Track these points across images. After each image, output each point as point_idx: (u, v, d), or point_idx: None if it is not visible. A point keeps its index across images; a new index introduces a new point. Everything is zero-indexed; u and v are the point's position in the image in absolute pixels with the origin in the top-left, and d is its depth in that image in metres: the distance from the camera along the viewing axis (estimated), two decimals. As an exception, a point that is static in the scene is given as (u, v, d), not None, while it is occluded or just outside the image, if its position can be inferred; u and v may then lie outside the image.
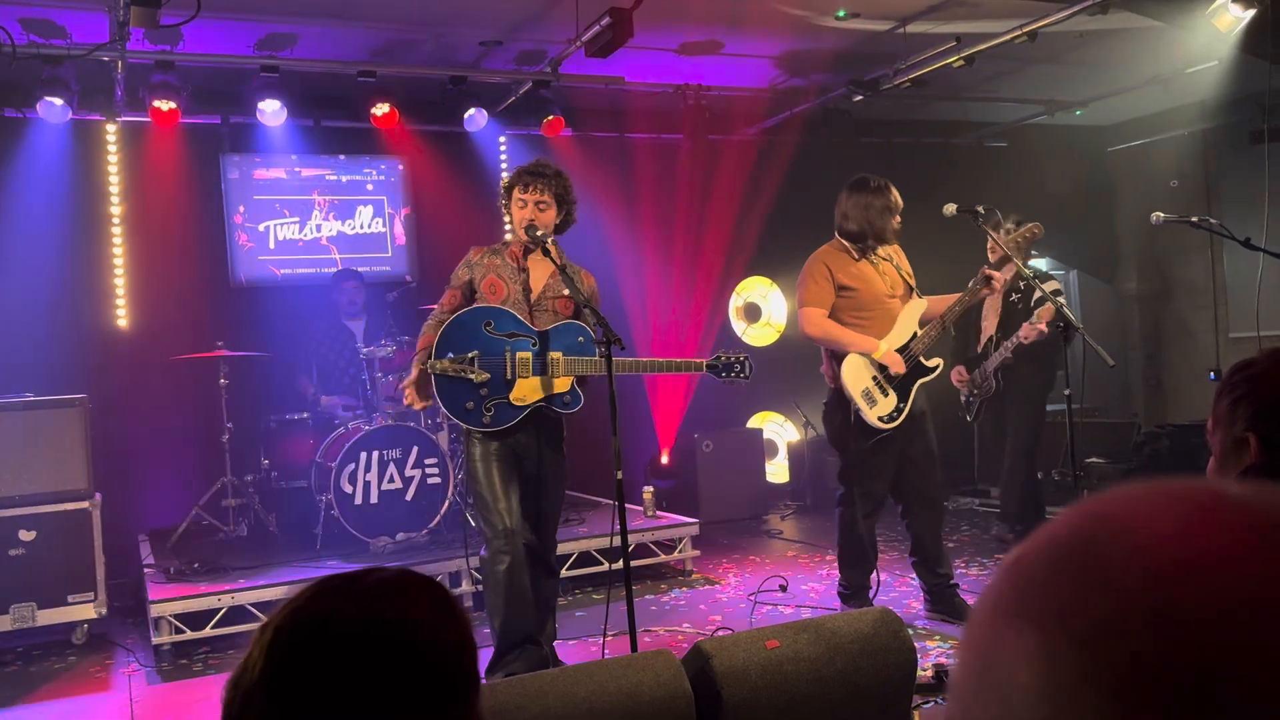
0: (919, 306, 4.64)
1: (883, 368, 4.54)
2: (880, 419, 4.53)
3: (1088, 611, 0.42)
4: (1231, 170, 8.42)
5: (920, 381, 4.61)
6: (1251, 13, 5.10)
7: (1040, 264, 9.69)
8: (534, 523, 4.17)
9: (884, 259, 4.68)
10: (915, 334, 4.61)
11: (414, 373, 4.08)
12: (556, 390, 4.03)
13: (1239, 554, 0.42)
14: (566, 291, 4.08)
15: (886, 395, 4.55)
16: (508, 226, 4.31)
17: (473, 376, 3.93)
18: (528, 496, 4.14)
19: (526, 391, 4.00)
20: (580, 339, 4.05)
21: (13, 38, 5.31)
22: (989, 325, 6.17)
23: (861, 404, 4.53)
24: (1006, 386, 6.12)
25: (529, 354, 3.99)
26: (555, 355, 4.00)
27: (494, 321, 4.01)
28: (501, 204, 4.24)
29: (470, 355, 3.95)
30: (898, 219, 4.64)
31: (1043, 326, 5.48)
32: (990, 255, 5.06)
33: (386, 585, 0.95)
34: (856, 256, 4.64)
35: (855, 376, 4.54)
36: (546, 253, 3.97)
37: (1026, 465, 6.28)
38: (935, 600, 4.85)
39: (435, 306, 4.20)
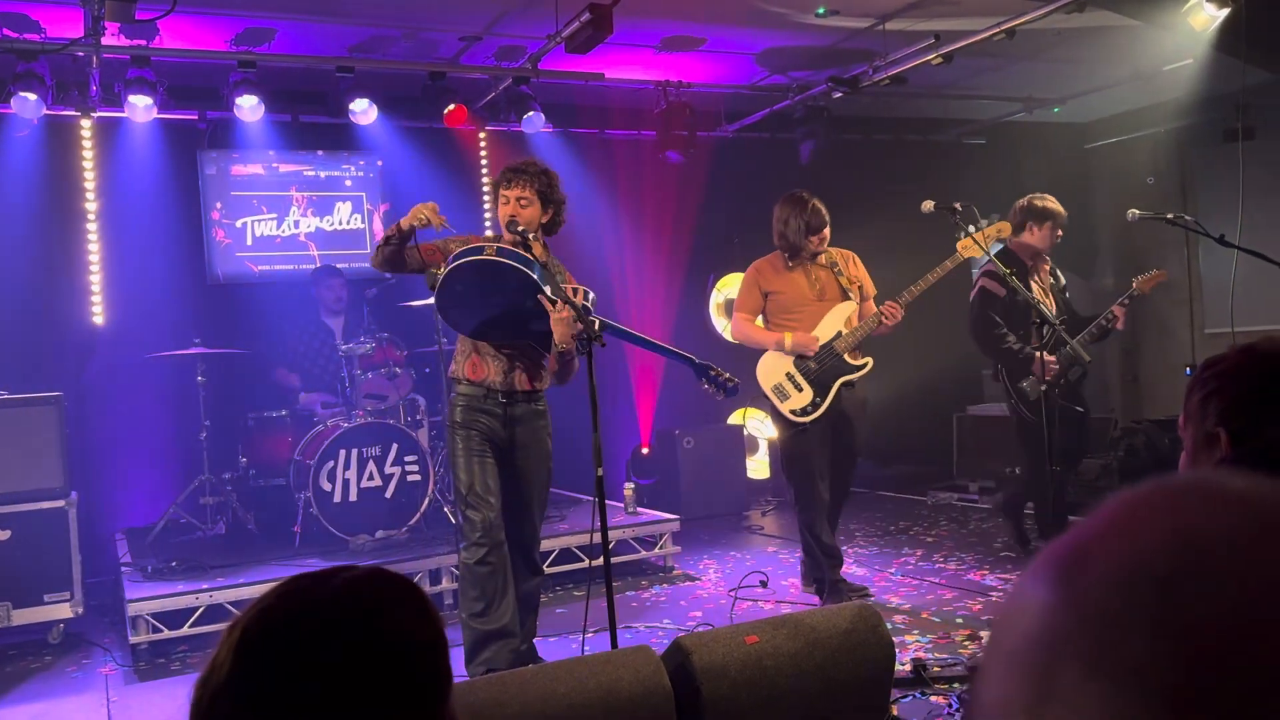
0: (847, 308, 4.91)
1: (800, 365, 4.81)
2: (793, 412, 4.82)
3: (1167, 672, 0.37)
4: (1207, 167, 8.50)
5: (843, 378, 4.84)
6: (1225, 12, 5.15)
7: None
8: (518, 518, 4.18)
9: (824, 266, 4.96)
10: (840, 332, 4.86)
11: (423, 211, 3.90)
12: (559, 314, 3.79)
13: None
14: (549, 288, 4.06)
15: (801, 390, 4.84)
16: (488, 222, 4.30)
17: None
18: (512, 491, 4.15)
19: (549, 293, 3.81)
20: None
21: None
22: (1049, 309, 5.41)
23: (773, 398, 4.86)
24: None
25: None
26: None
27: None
28: (493, 199, 4.24)
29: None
30: (818, 236, 4.87)
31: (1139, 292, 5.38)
32: (961, 251, 5.05)
33: (357, 583, 0.94)
34: (790, 265, 4.95)
35: (768, 372, 4.87)
36: (528, 250, 3.95)
37: None
38: (830, 589, 5.00)
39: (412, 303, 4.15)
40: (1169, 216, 5.01)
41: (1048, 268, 5.60)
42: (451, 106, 6.67)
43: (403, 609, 0.94)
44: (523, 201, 4.05)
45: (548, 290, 3.77)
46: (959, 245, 5.02)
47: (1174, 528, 0.41)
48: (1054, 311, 5.35)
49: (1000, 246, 5.38)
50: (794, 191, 4.98)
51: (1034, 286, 5.37)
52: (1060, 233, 5.52)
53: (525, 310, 3.84)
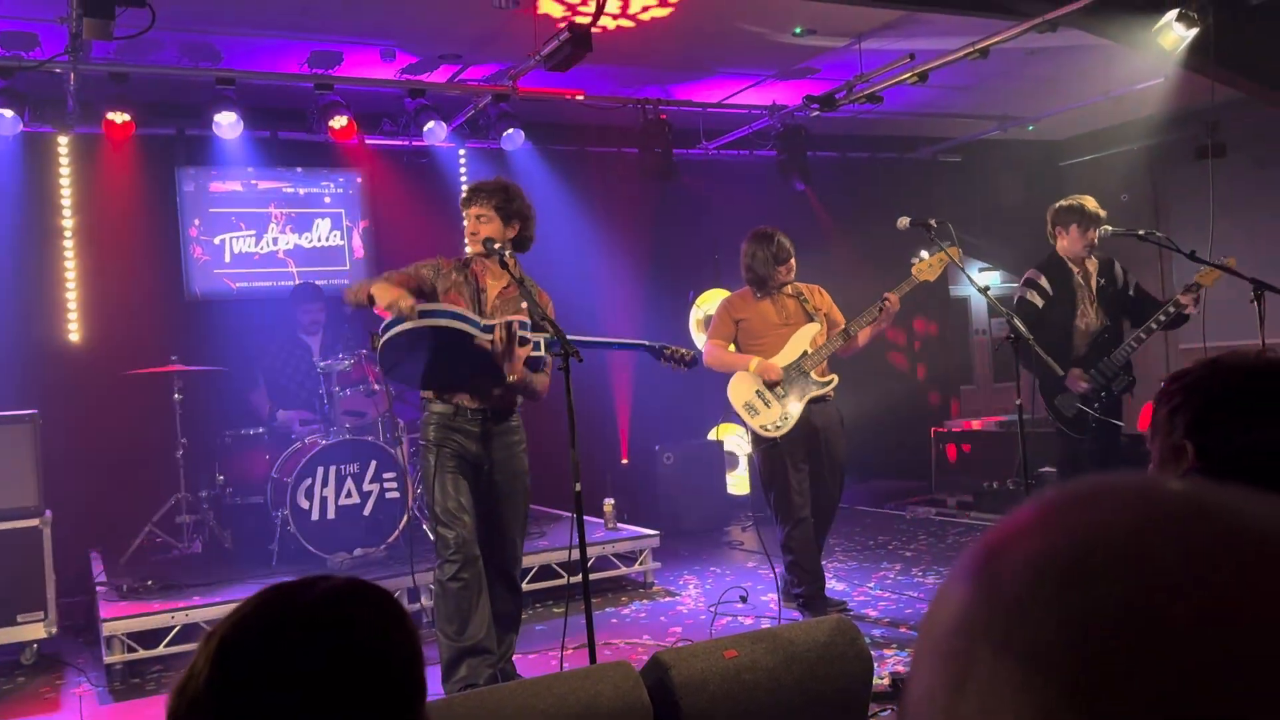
0: (811, 329, 5.11)
1: (768, 384, 5.00)
2: (763, 428, 5.00)
3: (1080, 637, 0.39)
4: (1178, 184, 8.62)
5: (810, 395, 5.02)
6: (1195, 32, 5.23)
7: (994, 277, 9.85)
8: (496, 538, 4.18)
9: (791, 295, 5.17)
10: (805, 352, 5.04)
11: (390, 293, 3.82)
12: (517, 317, 3.90)
13: (1254, 600, 0.39)
14: (525, 304, 4.08)
15: (770, 406, 5.01)
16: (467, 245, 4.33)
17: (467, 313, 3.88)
18: (488, 510, 4.16)
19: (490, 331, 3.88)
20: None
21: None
22: (1091, 320, 5.19)
23: (744, 415, 5.06)
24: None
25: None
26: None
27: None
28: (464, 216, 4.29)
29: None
30: (784, 267, 5.06)
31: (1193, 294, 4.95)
32: (915, 275, 5.03)
33: (335, 593, 0.95)
34: (758, 296, 5.16)
35: (737, 392, 5.07)
36: (504, 266, 3.97)
37: None
38: (804, 605, 5.04)
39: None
40: (1141, 233, 5.06)
41: (1095, 269, 5.19)
42: (430, 124, 6.65)
43: (380, 619, 0.95)
44: (482, 218, 4.09)
45: (479, 333, 3.83)
46: (913, 269, 5.05)
47: (1082, 522, 0.43)
48: (1096, 319, 5.15)
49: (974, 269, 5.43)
50: (760, 228, 5.18)
51: (1078, 293, 5.13)
52: (1094, 233, 5.06)
53: (466, 355, 3.88)
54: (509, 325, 3.83)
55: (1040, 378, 5.18)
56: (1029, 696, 0.39)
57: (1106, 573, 0.40)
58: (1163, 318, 4.98)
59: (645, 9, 6.01)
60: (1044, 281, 5.13)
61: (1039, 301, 5.14)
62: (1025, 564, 0.42)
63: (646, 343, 4.31)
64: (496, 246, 3.98)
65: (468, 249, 4.17)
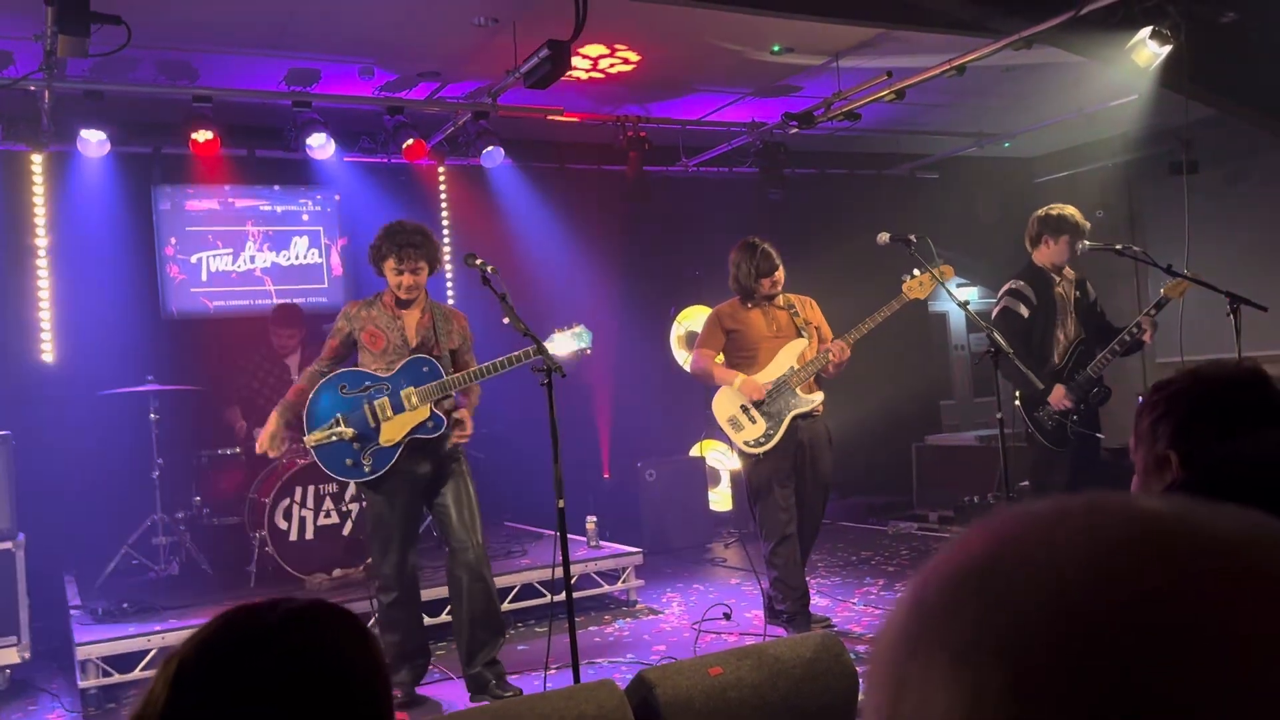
0: (799, 345, 5.09)
1: (755, 400, 4.99)
2: (747, 443, 4.99)
3: (998, 628, 0.43)
4: (1153, 200, 8.71)
5: (796, 411, 5.00)
6: (1168, 49, 5.29)
7: (972, 292, 9.91)
8: (459, 528, 4.36)
9: (781, 308, 5.17)
10: (792, 368, 5.02)
11: (270, 424, 4.43)
12: (418, 420, 4.29)
13: (1140, 557, 0.43)
14: (453, 329, 4.49)
15: (755, 422, 5.00)
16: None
17: (344, 433, 4.24)
18: (443, 513, 4.40)
19: (393, 431, 4.27)
20: (425, 369, 4.33)
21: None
22: (1070, 330, 5.20)
23: (728, 429, 5.05)
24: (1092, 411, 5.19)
25: (385, 399, 4.29)
26: (408, 391, 4.29)
27: (346, 383, 4.35)
28: (373, 263, 4.46)
29: (333, 419, 4.28)
30: (769, 279, 5.05)
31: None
32: (906, 293, 5.04)
33: (297, 614, 0.93)
34: (748, 306, 5.16)
35: (722, 406, 5.07)
36: (487, 282, 4.00)
37: None
38: (789, 622, 5.04)
39: (316, 361, 4.52)
40: (1117, 247, 5.10)
41: (1073, 281, 5.23)
42: (410, 142, 6.67)
43: (341, 639, 0.93)
44: (419, 271, 4.36)
45: (377, 417, 4.28)
46: (904, 287, 4.99)
47: (998, 534, 0.47)
48: (1075, 331, 5.17)
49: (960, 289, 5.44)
50: (746, 239, 5.18)
51: (1058, 304, 5.13)
52: (1081, 245, 5.09)
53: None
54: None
55: (1020, 391, 5.14)
56: (956, 690, 0.43)
57: (1014, 571, 0.45)
58: (1127, 338, 4.99)
59: (611, 65, 6.41)
60: (1029, 292, 5.10)
61: (1025, 312, 5.10)
62: (948, 575, 0.47)
63: (532, 348, 4.17)
64: (478, 263, 3.99)
65: (400, 296, 4.37)
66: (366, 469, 4.25)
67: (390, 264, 4.33)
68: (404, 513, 4.33)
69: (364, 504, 5.60)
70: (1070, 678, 0.41)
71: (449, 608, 4.73)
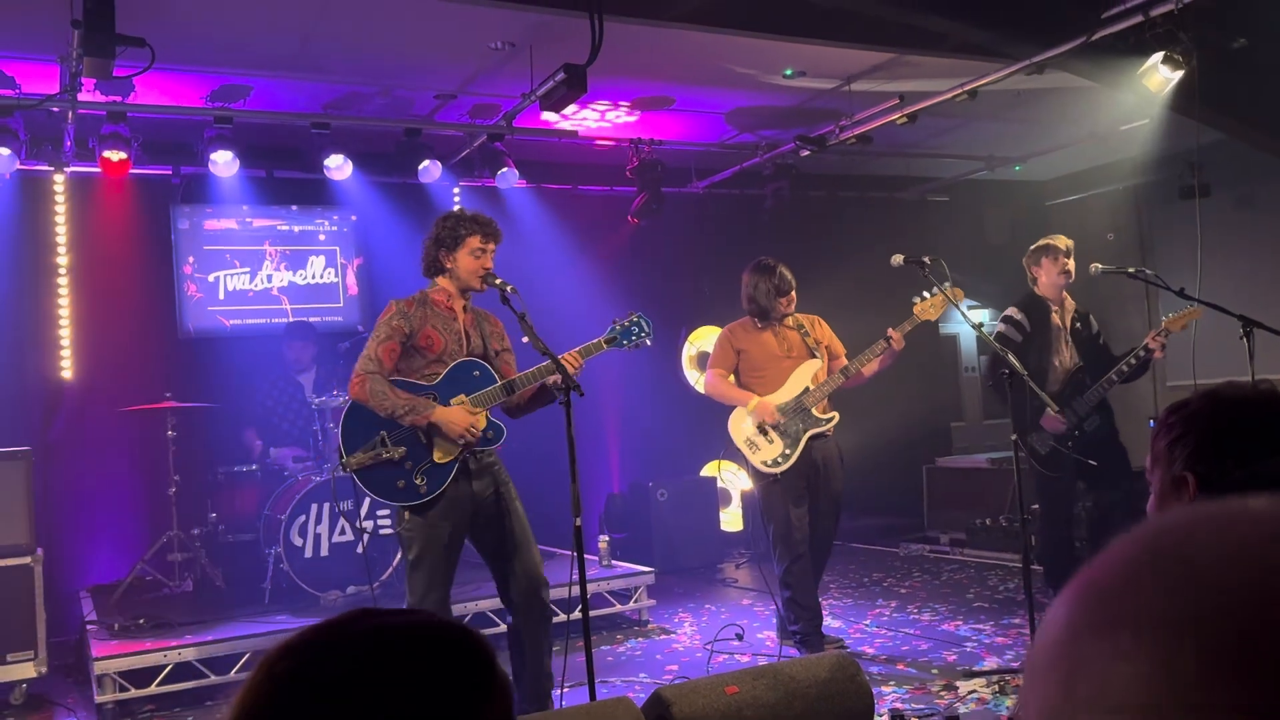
0: (813, 365, 5.13)
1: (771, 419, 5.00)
2: (764, 463, 5.01)
3: (1187, 599, 0.43)
4: (1164, 224, 8.73)
5: (811, 431, 5.02)
6: (1179, 74, 5.33)
7: (983, 315, 9.93)
8: (516, 556, 3.96)
9: (792, 328, 5.19)
10: (806, 388, 5.05)
11: (425, 409, 3.87)
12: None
13: None
14: (488, 328, 4.15)
15: (771, 443, 5.02)
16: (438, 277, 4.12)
17: (392, 454, 3.84)
18: (499, 538, 4.00)
19: (448, 447, 3.90)
20: (476, 373, 4.00)
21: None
22: (1065, 359, 5.36)
23: (745, 450, 5.05)
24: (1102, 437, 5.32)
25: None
26: (459, 399, 3.92)
27: None
28: (441, 250, 4.04)
29: (377, 437, 3.87)
30: (785, 299, 5.10)
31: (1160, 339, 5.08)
32: (917, 314, 5.08)
33: (428, 627, 0.83)
34: (760, 326, 5.18)
35: (738, 427, 5.08)
36: (506, 300, 3.93)
37: None
38: (801, 642, 5.02)
39: (368, 366, 3.91)
40: (1130, 270, 5.13)
41: (1072, 310, 5.40)
42: (426, 163, 6.74)
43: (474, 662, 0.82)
44: (490, 253, 4.05)
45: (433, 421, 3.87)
46: (915, 308, 5.05)
47: (1167, 523, 0.47)
48: (1071, 359, 5.29)
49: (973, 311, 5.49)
50: (762, 259, 5.22)
51: (1054, 331, 5.29)
52: (1063, 262, 5.28)
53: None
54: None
55: (1014, 415, 4.97)
56: (1143, 661, 0.42)
57: (1200, 546, 0.45)
58: (1134, 360, 5.11)
59: (618, 117, 6.66)
60: (1022, 317, 5.33)
61: (1017, 337, 5.29)
62: (1122, 558, 0.47)
63: (603, 339, 4.20)
64: (498, 282, 3.99)
65: (476, 284, 4.02)
66: (421, 490, 3.84)
67: (475, 242, 3.94)
68: (451, 542, 3.91)
69: (399, 530, 4.37)
70: (1270, 646, 0.41)
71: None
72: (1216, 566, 0.44)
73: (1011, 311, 5.39)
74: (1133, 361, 5.13)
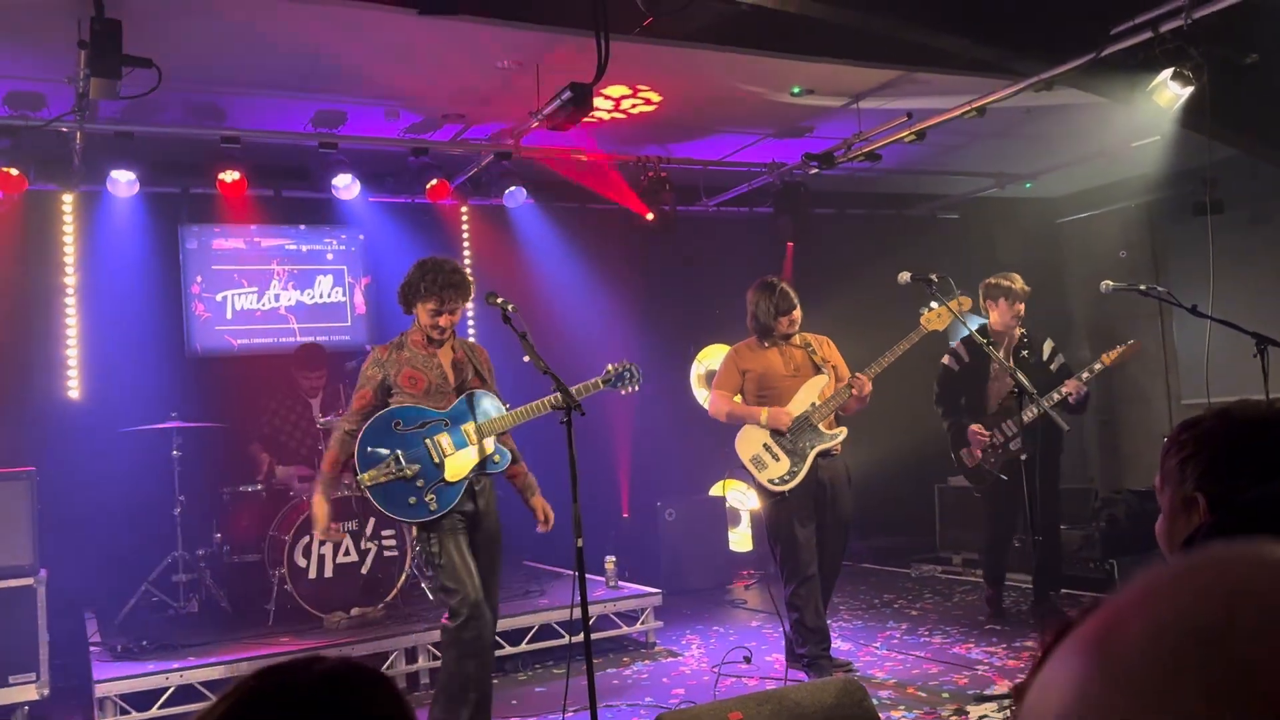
0: (819, 382, 5.11)
1: (776, 437, 4.98)
2: (771, 481, 4.97)
3: (1237, 699, 0.37)
4: (1177, 241, 8.65)
5: (819, 447, 4.99)
6: (1190, 90, 5.29)
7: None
8: (487, 583, 4.21)
9: (798, 346, 5.18)
10: (814, 404, 5.03)
11: (319, 509, 4.22)
12: (483, 456, 4.22)
13: None
14: (476, 366, 4.37)
15: (778, 460, 4.99)
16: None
17: (406, 472, 4.07)
18: (481, 560, 4.22)
19: (458, 468, 4.16)
20: (486, 402, 4.29)
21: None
22: (1001, 385, 5.90)
23: (752, 468, 5.02)
24: (1035, 453, 5.67)
25: (445, 434, 4.18)
26: (468, 426, 4.23)
27: (401, 420, 4.18)
28: (411, 295, 4.29)
29: (391, 456, 4.09)
30: (787, 318, 5.08)
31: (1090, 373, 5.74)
32: (924, 325, 5.13)
33: (332, 676, 0.91)
34: (765, 345, 5.17)
35: (745, 445, 5.04)
36: (508, 321, 3.99)
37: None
38: (809, 666, 4.96)
39: (343, 425, 4.25)
40: (1142, 287, 5.09)
41: (1016, 342, 5.98)
42: (434, 182, 6.74)
43: (378, 700, 0.92)
44: (455, 312, 4.26)
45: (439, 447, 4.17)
46: (922, 319, 5.17)
47: (1210, 584, 0.40)
48: (1005, 385, 5.83)
49: (977, 322, 5.60)
50: (764, 278, 5.23)
51: (991, 359, 5.71)
52: (1018, 307, 5.86)
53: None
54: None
55: (950, 433, 6.07)
56: None
57: (1258, 633, 0.37)
58: (1056, 396, 5.61)
59: (634, 105, 6.43)
60: (962, 350, 6.05)
61: (955, 367, 6.08)
62: (1151, 632, 0.40)
63: (600, 379, 4.40)
64: (499, 301, 4.01)
65: (432, 335, 4.25)
66: (432, 507, 4.08)
67: (430, 306, 4.18)
68: (464, 546, 4.17)
69: (418, 548, 5.01)
70: None
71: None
72: (1270, 668, 0.37)
73: (956, 345, 6.11)
74: (1055, 396, 5.61)
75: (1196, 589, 0.40)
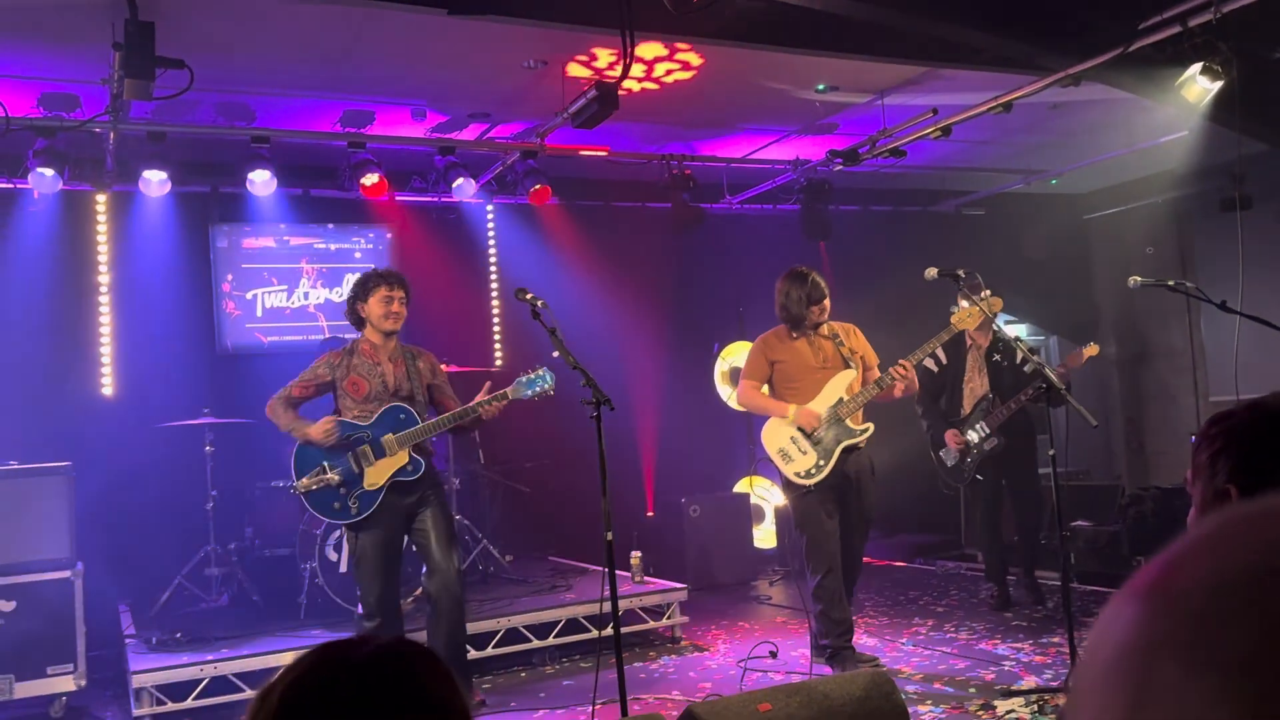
0: (848, 376, 5.07)
1: (806, 431, 4.98)
2: (798, 474, 4.97)
3: (1276, 664, 0.38)
4: (1205, 237, 8.60)
5: (845, 442, 4.98)
6: (1219, 85, 5.26)
7: (1020, 329, 9.82)
8: (437, 552, 4.67)
9: (826, 337, 5.15)
10: (841, 399, 5.01)
11: (305, 430, 4.67)
12: (399, 465, 4.66)
13: None
14: (425, 370, 4.86)
15: (805, 454, 4.99)
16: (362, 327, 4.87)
17: (331, 478, 4.62)
18: (422, 538, 4.70)
19: (376, 475, 4.66)
20: (402, 416, 4.69)
21: (7, 110, 5.38)
22: (976, 386, 6.33)
23: (778, 461, 5.02)
24: (1009, 450, 6.21)
25: (367, 446, 4.67)
26: (388, 438, 4.66)
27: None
28: (357, 303, 4.78)
29: (320, 466, 4.65)
30: (818, 307, 5.07)
31: (1064, 369, 6.06)
32: (955, 324, 5.14)
33: (387, 652, 0.95)
34: (794, 336, 5.15)
35: (772, 437, 5.05)
36: (536, 315, 4.03)
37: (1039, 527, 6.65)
38: (832, 657, 4.98)
39: (280, 394, 4.78)
40: (1170, 283, 5.06)
41: (986, 344, 6.30)
42: (459, 181, 6.78)
43: (430, 676, 0.95)
44: (403, 301, 4.77)
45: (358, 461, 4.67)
46: (952, 318, 5.16)
47: (1268, 534, 0.42)
48: (981, 386, 6.26)
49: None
50: (795, 267, 5.20)
51: (968, 361, 6.27)
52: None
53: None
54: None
55: (930, 433, 6.45)
56: (1228, 709, 0.38)
57: None
58: (1022, 398, 6.02)
59: (669, 72, 6.13)
60: (940, 353, 6.25)
61: (934, 368, 6.37)
62: (1212, 575, 0.42)
63: (508, 391, 4.68)
64: (529, 297, 4.04)
65: (387, 325, 4.72)
66: (353, 510, 4.62)
67: (382, 292, 4.69)
68: (385, 550, 4.66)
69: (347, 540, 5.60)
70: None
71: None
72: None
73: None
74: (1021, 398, 6.01)
75: (1257, 534, 0.42)
